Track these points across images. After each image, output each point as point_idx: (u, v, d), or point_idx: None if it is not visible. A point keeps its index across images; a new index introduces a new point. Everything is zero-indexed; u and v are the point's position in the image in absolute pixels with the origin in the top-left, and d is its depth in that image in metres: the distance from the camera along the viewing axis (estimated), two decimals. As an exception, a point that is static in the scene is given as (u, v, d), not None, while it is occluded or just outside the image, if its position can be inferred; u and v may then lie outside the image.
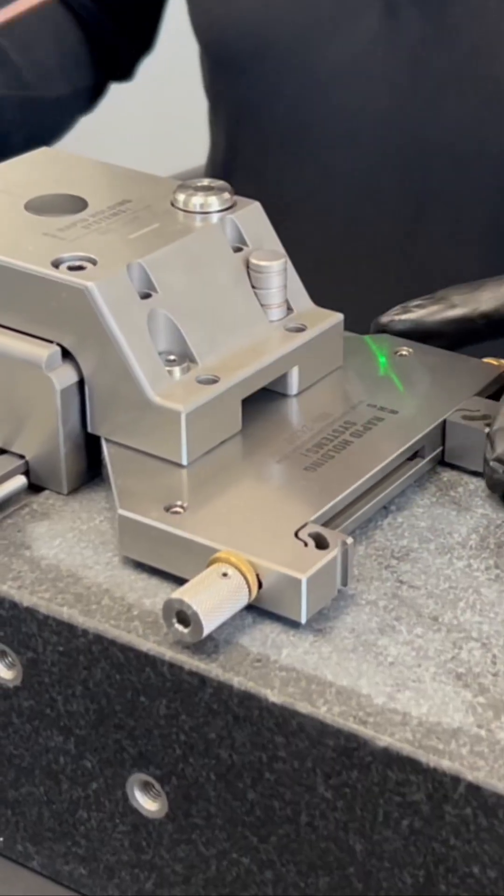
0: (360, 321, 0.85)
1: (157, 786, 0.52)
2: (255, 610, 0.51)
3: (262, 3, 0.82)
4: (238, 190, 0.88)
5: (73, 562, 0.54)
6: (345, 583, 0.52)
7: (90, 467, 0.58)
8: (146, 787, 0.52)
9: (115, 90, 0.98)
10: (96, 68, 0.93)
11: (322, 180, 0.83)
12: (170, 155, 1.25)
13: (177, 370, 0.57)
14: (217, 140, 0.93)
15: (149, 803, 0.52)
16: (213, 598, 0.49)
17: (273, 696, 0.48)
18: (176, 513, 0.53)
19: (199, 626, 0.49)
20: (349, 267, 0.85)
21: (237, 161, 0.89)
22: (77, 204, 0.61)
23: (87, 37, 0.92)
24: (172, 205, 0.61)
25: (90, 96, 0.94)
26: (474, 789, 0.45)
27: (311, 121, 0.83)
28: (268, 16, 0.81)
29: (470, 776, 0.45)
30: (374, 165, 0.81)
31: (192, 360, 0.57)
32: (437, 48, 0.77)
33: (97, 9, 0.92)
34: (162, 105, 1.53)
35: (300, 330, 0.61)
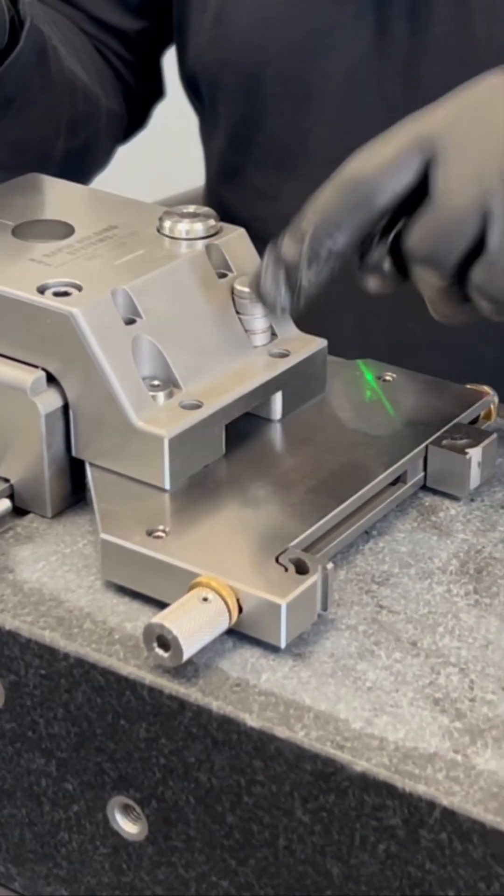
0: (353, 334, 0.86)
1: (138, 808, 0.52)
2: (236, 634, 0.52)
3: (260, 21, 0.83)
4: (236, 206, 0.89)
5: (55, 585, 0.54)
6: (325, 607, 0.52)
7: (74, 491, 0.59)
8: (126, 809, 0.53)
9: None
10: (120, 104, 0.94)
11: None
12: (167, 178, 1.26)
13: (161, 395, 0.57)
14: (212, 159, 0.94)
15: (129, 826, 0.53)
16: (194, 622, 0.50)
17: (252, 721, 0.48)
18: (158, 537, 0.54)
19: (180, 651, 0.49)
20: (348, 275, 0.86)
21: (234, 178, 0.90)
22: (64, 230, 0.62)
23: (112, 74, 0.93)
24: (158, 231, 0.62)
25: (114, 130, 0.95)
26: (449, 814, 0.45)
27: (306, 135, 0.84)
28: (265, 34, 0.83)
29: (445, 801, 0.46)
30: None
31: (176, 386, 0.58)
32: (426, 60, 0.78)
33: (121, 48, 0.93)
34: (159, 129, 1.53)
35: (284, 355, 0.61)
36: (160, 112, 1.05)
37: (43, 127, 0.85)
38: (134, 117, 0.97)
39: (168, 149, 1.63)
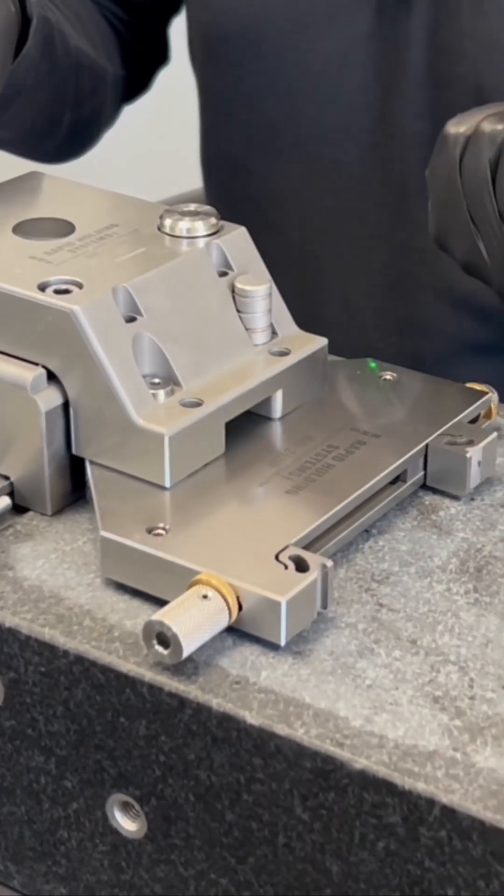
0: (347, 307, 0.86)
1: (137, 806, 0.52)
2: (235, 632, 0.52)
3: None
4: (228, 183, 0.89)
5: (55, 583, 0.54)
6: (324, 605, 0.52)
7: (74, 489, 0.59)
8: (126, 807, 0.53)
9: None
10: (124, 67, 0.94)
11: (309, 172, 0.85)
12: (169, 178, 1.26)
13: (161, 393, 0.57)
14: (207, 135, 0.94)
15: (128, 823, 0.53)
16: (193, 619, 0.50)
17: (251, 718, 0.48)
18: (158, 535, 0.54)
19: (179, 648, 0.49)
20: (335, 255, 0.87)
21: (225, 157, 0.91)
22: (64, 228, 0.62)
23: (116, 36, 0.94)
24: (159, 229, 0.62)
25: (119, 95, 0.96)
26: (449, 812, 0.45)
27: (297, 115, 0.85)
28: (264, 9, 0.84)
29: (445, 799, 0.46)
30: (360, 157, 0.83)
31: (177, 384, 0.58)
32: (417, 46, 0.79)
33: (126, 16, 0.94)
34: (162, 126, 1.54)
35: (284, 354, 0.61)
36: (163, 111, 1.05)
37: (49, 106, 0.85)
38: (138, 81, 0.98)
39: (170, 148, 1.63)
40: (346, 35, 0.81)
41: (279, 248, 0.88)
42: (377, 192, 0.83)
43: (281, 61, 0.84)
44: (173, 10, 0.96)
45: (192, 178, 1.10)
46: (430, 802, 0.46)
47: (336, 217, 0.85)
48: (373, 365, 0.66)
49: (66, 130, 0.88)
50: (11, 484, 0.58)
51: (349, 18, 0.81)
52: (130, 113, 1.00)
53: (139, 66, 0.97)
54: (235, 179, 0.90)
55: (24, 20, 0.78)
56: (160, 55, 0.99)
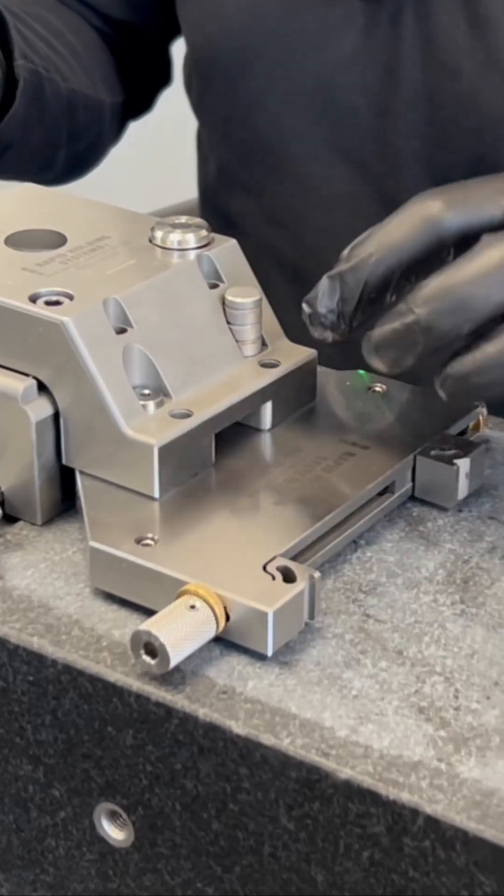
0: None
1: (124, 815, 0.52)
2: (223, 642, 0.52)
3: (251, 16, 0.84)
4: (224, 202, 0.90)
5: (44, 592, 0.55)
6: (312, 616, 0.53)
7: (64, 499, 0.59)
8: (113, 816, 0.53)
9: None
10: (123, 93, 0.95)
11: (300, 190, 0.86)
12: (162, 189, 1.27)
13: (151, 404, 0.58)
14: (203, 155, 0.95)
15: (115, 832, 0.53)
16: (181, 630, 0.50)
17: (237, 728, 0.49)
18: (147, 545, 0.54)
19: (167, 658, 0.50)
20: (326, 271, 0.87)
21: (221, 174, 0.91)
22: (56, 239, 0.62)
23: (115, 62, 0.94)
24: (150, 241, 0.62)
25: (119, 122, 0.96)
26: (433, 822, 0.46)
27: (289, 133, 0.85)
28: (255, 30, 0.84)
29: (428, 809, 0.46)
30: (351, 175, 0.83)
31: (167, 395, 0.58)
32: (410, 64, 0.80)
33: (128, 41, 0.94)
34: (155, 141, 1.54)
35: (274, 366, 0.62)
36: (156, 124, 1.06)
37: (42, 149, 0.87)
38: (140, 102, 0.98)
39: (164, 160, 1.64)
40: (336, 54, 0.81)
41: (273, 265, 0.88)
42: (368, 210, 0.83)
43: (271, 79, 0.84)
44: (174, 34, 0.96)
45: (185, 189, 1.11)
46: (415, 812, 0.46)
47: (327, 234, 0.86)
48: (362, 374, 0.66)
49: (62, 164, 0.90)
50: (2, 493, 0.59)
51: (339, 37, 0.81)
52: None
53: (141, 88, 0.98)
54: (232, 196, 0.91)
55: (13, 77, 0.79)
56: (163, 77, 1.00)
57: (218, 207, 0.93)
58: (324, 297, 0.57)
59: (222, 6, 0.86)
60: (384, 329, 0.56)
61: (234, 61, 0.85)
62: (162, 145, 1.58)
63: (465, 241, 0.56)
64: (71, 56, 0.89)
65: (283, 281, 0.88)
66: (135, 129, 1.01)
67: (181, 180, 1.13)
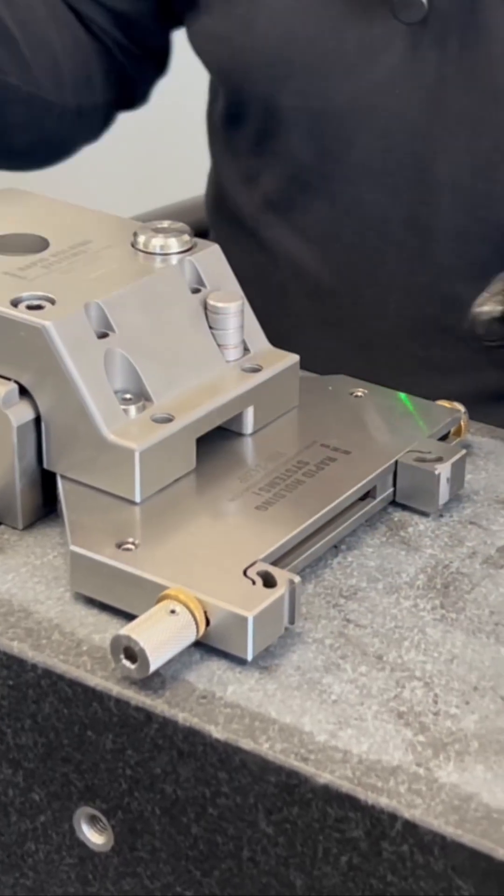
0: (363, 348, 0.86)
1: (104, 819, 0.52)
2: (203, 647, 0.52)
3: (286, 32, 0.82)
4: (246, 212, 0.88)
5: (25, 596, 0.55)
6: (292, 621, 0.53)
7: (46, 503, 0.59)
8: (93, 820, 0.53)
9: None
10: (107, 93, 0.94)
11: (332, 207, 0.85)
12: (152, 191, 1.27)
13: (132, 409, 0.58)
14: (226, 164, 0.93)
15: (95, 836, 0.53)
16: (161, 634, 0.50)
17: (217, 733, 0.49)
18: (127, 549, 0.54)
19: (146, 663, 0.50)
20: (353, 292, 0.86)
21: (248, 184, 0.90)
22: (38, 243, 0.63)
23: (105, 59, 0.93)
24: (133, 246, 0.63)
25: (96, 121, 0.96)
26: (411, 827, 0.46)
27: (323, 151, 0.84)
28: (290, 46, 0.82)
29: (407, 814, 0.46)
30: (383, 199, 0.83)
31: (148, 399, 0.58)
32: (454, 90, 0.78)
33: (117, 30, 0.93)
34: (145, 144, 1.54)
35: (256, 370, 0.62)
36: (146, 128, 1.06)
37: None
38: (129, 96, 0.97)
39: (154, 162, 1.64)
40: (374, 75, 0.79)
41: (298, 282, 0.87)
42: (399, 234, 0.82)
43: (304, 98, 0.82)
44: (173, 25, 0.94)
45: (174, 191, 1.11)
46: (393, 817, 0.46)
47: (356, 254, 0.85)
48: (344, 381, 0.66)
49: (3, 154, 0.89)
50: (-17, 498, 0.59)
51: (377, 59, 0.79)
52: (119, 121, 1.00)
53: (136, 84, 0.97)
54: (257, 209, 0.89)
55: None
56: (160, 67, 0.98)
57: (235, 217, 0.91)
58: None
59: (256, 19, 0.83)
60: None
61: (267, 77, 0.83)
62: (153, 148, 1.58)
63: None
64: (28, 50, 0.87)
65: (303, 296, 0.87)
66: (122, 126, 1.00)
67: (171, 182, 1.13)
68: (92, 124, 0.96)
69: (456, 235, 0.82)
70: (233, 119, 0.90)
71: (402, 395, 0.65)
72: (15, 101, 0.87)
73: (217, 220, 0.96)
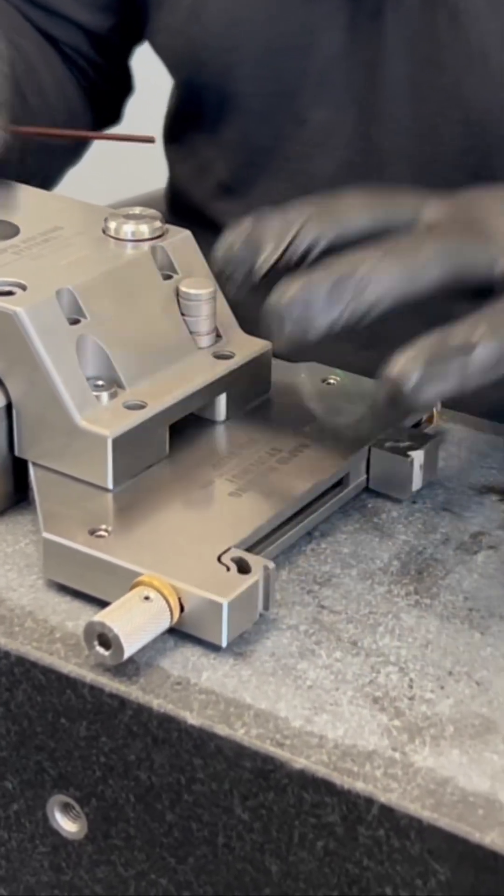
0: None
1: (77, 807, 0.52)
2: (177, 633, 0.52)
3: (233, 18, 0.84)
4: (202, 201, 0.89)
5: (-3, 584, 0.54)
6: (266, 607, 0.52)
7: (17, 490, 0.59)
8: (66, 808, 0.53)
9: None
10: (88, 118, 0.95)
11: (290, 187, 0.86)
12: (125, 182, 1.26)
13: (104, 395, 0.57)
14: (181, 153, 0.94)
15: (69, 824, 0.53)
16: (135, 621, 0.50)
17: (192, 719, 0.49)
18: (100, 536, 0.54)
19: (120, 649, 0.49)
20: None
21: (204, 173, 0.91)
22: (9, 230, 0.62)
23: (81, 83, 0.94)
24: (104, 232, 0.62)
25: (81, 147, 0.97)
26: (387, 811, 0.46)
27: (277, 133, 0.85)
28: (238, 31, 0.84)
29: (383, 798, 0.46)
30: (336, 172, 0.84)
31: (120, 386, 0.58)
32: (394, 61, 0.80)
33: (90, 48, 0.94)
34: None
35: (228, 357, 0.61)
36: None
37: None
38: (105, 116, 0.98)
39: (126, 152, 1.63)
40: (321, 53, 0.81)
41: None
42: None
43: (256, 82, 0.84)
44: (136, 41, 0.96)
45: (148, 181, 1.10)
46: (369, 802, 0.46)
47: None
48: (316, 369, 0.66)
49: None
50: (-46, 485, 0.58)
51: (319, 38, 0.81)
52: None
53: (105, 102, 0.98)
54: (213, 196, 0.90)
55: None
56: (127, 87, 0.99)
57: (192, 206, 0.92)
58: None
59: (204, 8, 0.85)
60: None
61: (218, 64, 0.85)
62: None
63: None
64: (32, 97, 0.88)
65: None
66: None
67: (144, 172, 1.13)
68: (78, 151, 0.97)
69: None
70: (187, 112, 0.92)
71: (375, 382, 0.65)
72: (24, 149, 0.88)
73: (176, 219, 0.96)
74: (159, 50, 0.91)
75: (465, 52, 0.78)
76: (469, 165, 0.79)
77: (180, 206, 0.95)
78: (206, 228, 0.90)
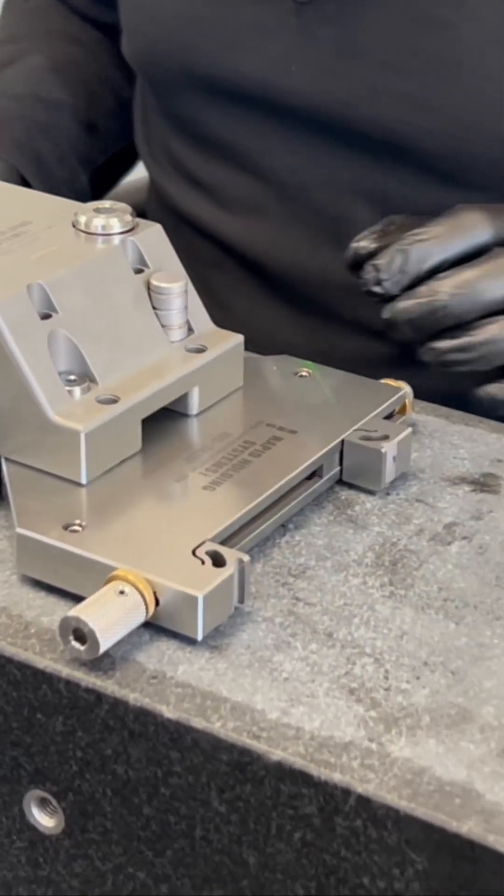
0: (300, 314, 0.87)
1: (54, 802, 0.52)
2: (153, 627, 0.52)
3: (187, 19, 0.85)
4: (174, 195, 0.90)
5: (-29, 580, 0.54)
6: (241, 600, 0.52)
7: (-10, 486, 0.59)
8: (43, 803, 0.52)
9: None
10: (90, 190, 0.97)
11: (252, 182, 0.86)
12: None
13: (77, 390, 0.57)
14: (151, 147, 0.95)
15: (45, 819, 0.53)
16: (110, 615, 0.50)
17: (168, 712, 0.49)
18: (74, 531, 0.54)
19: (96, 644, 0.49)
20: (283, 264, 0.88)
21: (175, 167, 0.92)
22: (-22, 225, 0.62)
23: (83, 164, 0.96)
24: (74, 226, 0.62)
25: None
26: (364, 801, 0.46)
27: (236, 129, 0.86)
28: (193, 31, 0.85)
29: (360, 789, 0.46)
30: (298, 166, 0.84)
31: (93, 380, 0.58)
32: (347, 62, 0.79)
33: (101, 135, 0.96)
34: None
35: (200, 350, 0.61)
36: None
37: None
38: (96, 191, 1.02)
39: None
40: (271, 55, 0.82)
41: (222, 252, 0.89)
42: (320, 199, 0.84)
43: (211, 80, 0.85)
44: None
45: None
46: (346, 792, 0.46)
47: (277, 222, 0.86)
48: (287, 362, 0.66)
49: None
50: None
51: (273, 39, 0.81)
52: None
53: (104, 178, 1.02)
54: (183, 189, 0.91)
55: None
56: (128, 162, 1.04)
57: (167, 200, 0.93)
58: (392, 265, 0.68)
59: (160, 8, 0.86)
60: (409, 303, 0.68)
61: (175, 62, 0.86)
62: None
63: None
64: (104, 129, 0.94)
65: (235, 269, 0.88)
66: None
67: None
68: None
69: (370, 190, 0.83)
70: (152, 109, 0.92)
71: (348, 375, 0.65)
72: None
73: (157, 209, 0.97)
74: (124, 47, 0.92)
75: (426, 57, 0.77)
76: (438, 171, 0.80)
77: (156, 196, 0.96)
78: (181, 221, 0.91)
